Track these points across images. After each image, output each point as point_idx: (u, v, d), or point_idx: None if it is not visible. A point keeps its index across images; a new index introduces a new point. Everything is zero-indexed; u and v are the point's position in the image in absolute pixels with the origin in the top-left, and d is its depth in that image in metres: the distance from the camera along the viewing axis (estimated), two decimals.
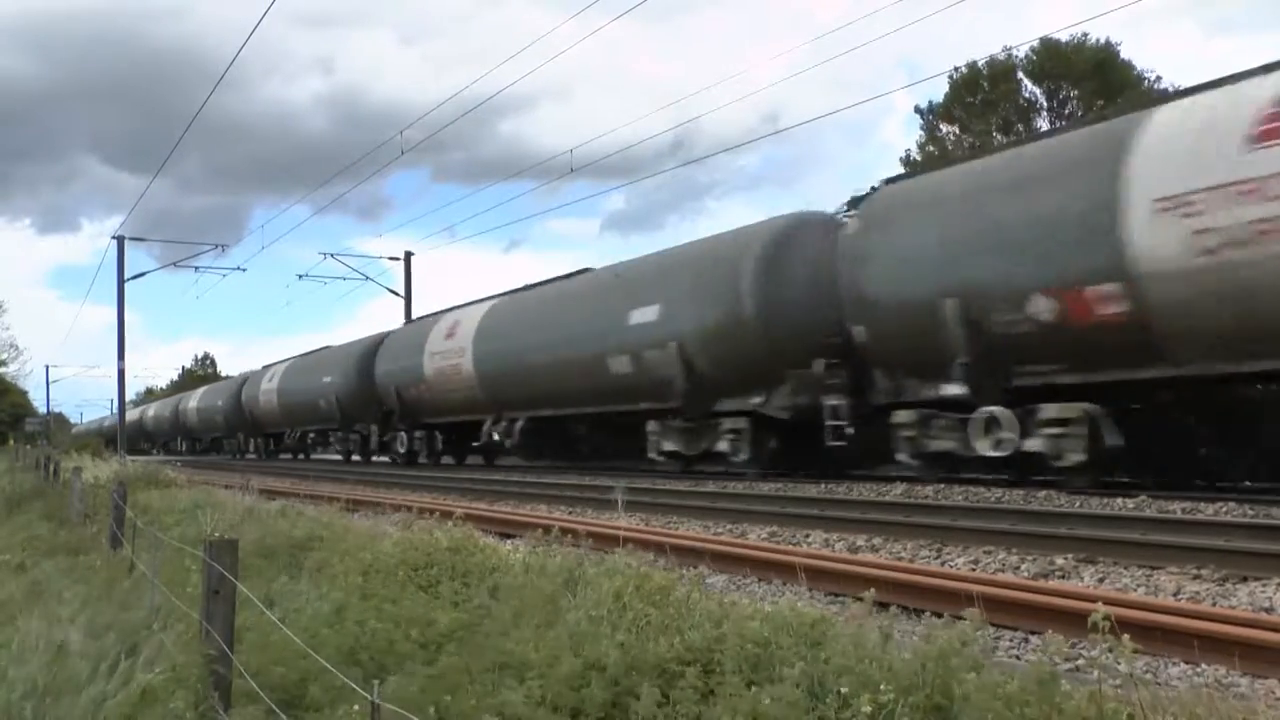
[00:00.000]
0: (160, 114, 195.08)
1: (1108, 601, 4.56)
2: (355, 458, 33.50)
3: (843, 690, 2.91)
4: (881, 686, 2.85)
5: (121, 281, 43.28)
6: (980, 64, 37.04)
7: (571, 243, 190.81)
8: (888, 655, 3.16)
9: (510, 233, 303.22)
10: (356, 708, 3.23)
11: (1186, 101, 11.30)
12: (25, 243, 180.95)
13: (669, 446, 18.32)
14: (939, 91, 39.20)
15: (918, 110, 40.43)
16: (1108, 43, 36.08)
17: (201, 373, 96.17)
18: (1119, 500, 10.37)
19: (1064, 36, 35.44)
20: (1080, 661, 4.23)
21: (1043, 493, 11.36)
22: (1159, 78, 35.75)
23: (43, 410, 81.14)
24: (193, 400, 55.83)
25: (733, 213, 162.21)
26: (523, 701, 3.33)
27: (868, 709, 2.76)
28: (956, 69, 37.29)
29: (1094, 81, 35.38)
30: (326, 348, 38.03)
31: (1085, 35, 35.64)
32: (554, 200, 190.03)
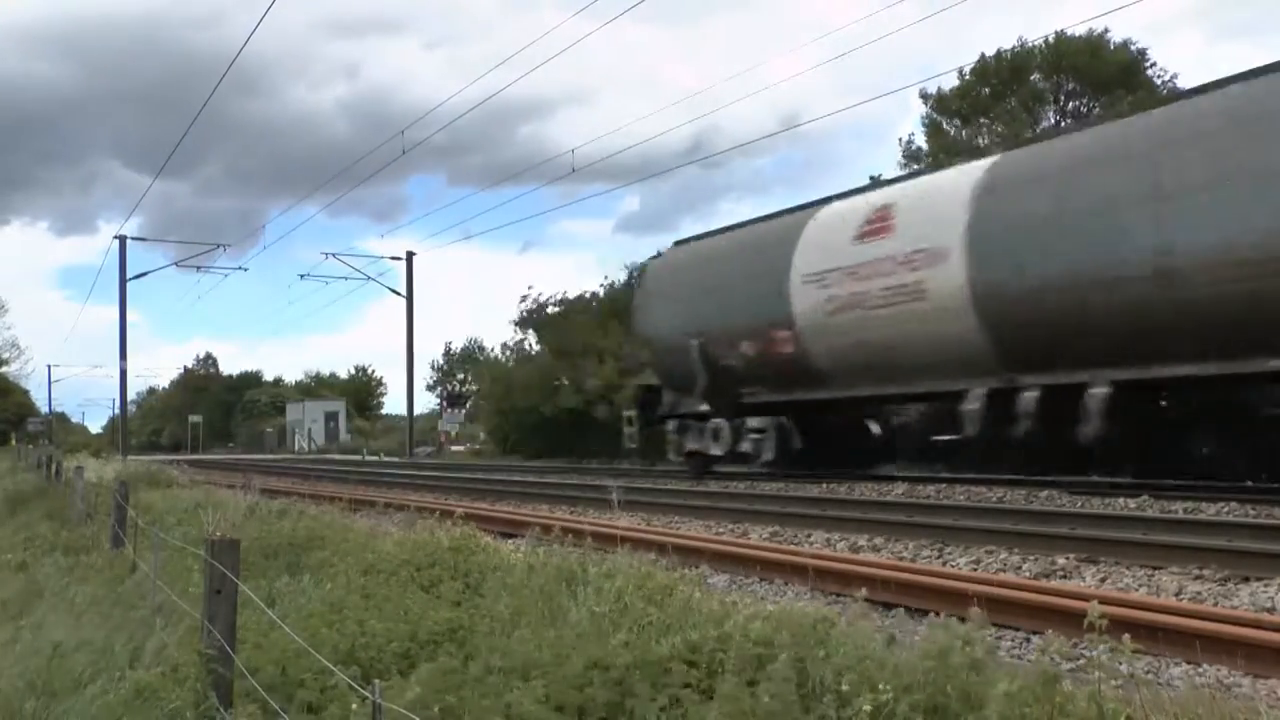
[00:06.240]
0: (191, 120, 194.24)
1: (1109, 601, 4.56)
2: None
3: (843, 689, 2.90)
4: (881, 685, 2.84)
5: (123, 281, 43.37)
6: (991, 57, 35.86)
7: (585, 243, 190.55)
8: (889, 655, 3.15)
9: (524, 234, 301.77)
10: (355, 706, 3.22)
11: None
12: (42, 245, 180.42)
13: None
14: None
15: (923, 96, 37.46)
16: (1125, 43, 35.00)
17: (203, 372, 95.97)
18: (1120, 500, 10.39)
19: (1076, 34, 34.45)
20: (1081, 661, 4.22)
21: (1044, 493, 11.40)
22: (1175, 76, 34.77)
23: (45, 410, 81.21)
24: None
25: (742, 214, 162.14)
26: (530, 701, 3.31)
27: (868, 708, 2.75)
28: (982, 57, 35.68)
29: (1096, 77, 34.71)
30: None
31: (1106, 30, 34.31)
32: (564, 201, 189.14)
